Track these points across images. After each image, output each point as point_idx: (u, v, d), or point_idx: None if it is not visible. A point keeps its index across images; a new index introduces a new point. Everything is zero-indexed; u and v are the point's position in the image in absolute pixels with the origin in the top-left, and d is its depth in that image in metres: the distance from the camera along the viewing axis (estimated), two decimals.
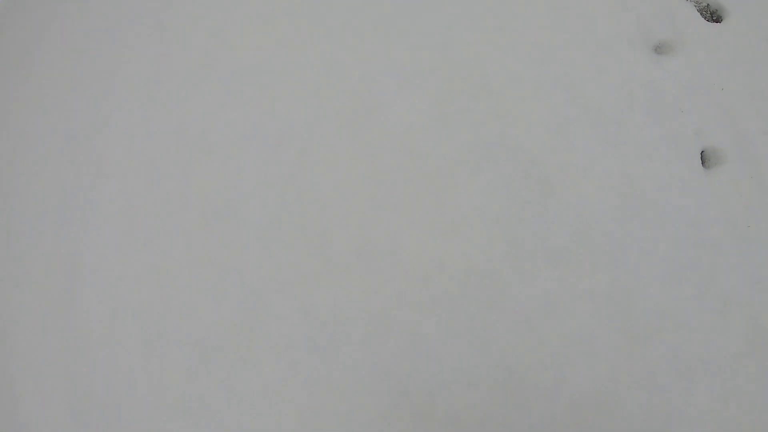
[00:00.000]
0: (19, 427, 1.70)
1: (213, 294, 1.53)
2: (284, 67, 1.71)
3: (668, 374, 1.35)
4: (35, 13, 2.50)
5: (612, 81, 1.56)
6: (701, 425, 1.35)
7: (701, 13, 1.86)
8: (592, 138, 1.46)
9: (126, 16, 2.23)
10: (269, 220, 1.52)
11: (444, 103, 1.52)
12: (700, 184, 1.52)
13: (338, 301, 1.40)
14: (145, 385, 1.52)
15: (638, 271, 1.37)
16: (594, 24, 1.64)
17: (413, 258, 1.37)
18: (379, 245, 1.40)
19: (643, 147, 1.48)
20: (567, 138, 1.45)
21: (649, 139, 1.50)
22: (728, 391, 1.38)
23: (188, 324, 1.53)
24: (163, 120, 1.87)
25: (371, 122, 1.54)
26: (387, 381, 1.34)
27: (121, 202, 1.93)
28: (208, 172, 1.69)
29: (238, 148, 1.66)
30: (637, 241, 1.39)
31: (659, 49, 1.72)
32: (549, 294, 1.32)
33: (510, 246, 1.34)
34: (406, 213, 1.41)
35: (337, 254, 1.42)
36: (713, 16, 1.88)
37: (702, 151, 1.57)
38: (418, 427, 1.31)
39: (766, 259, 1.49)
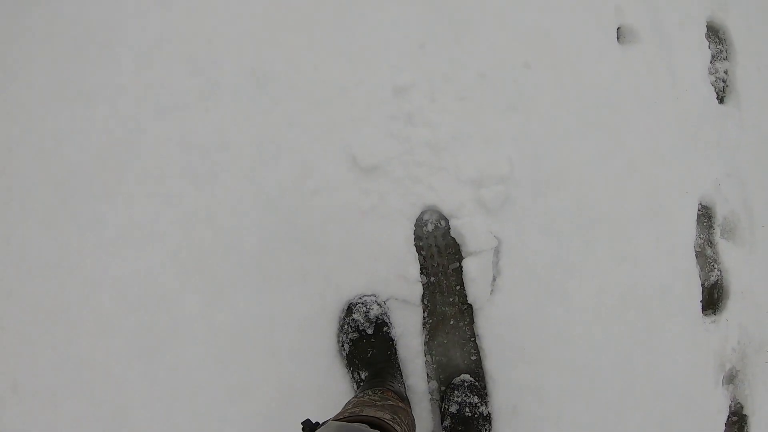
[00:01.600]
0: None
1: (80, 120, 1.24)
2: None
3: (569, 226, 1.34)
4: None
5: None
6: (595, 279, 1.35)
7: None
8: None
9: None
10: (150, 40, 1.28)
11: None
12: (615, 56, 1.52)
13: (224, 126, 1.23)
14: None
15: (547, 120, 1.33)
16: None
17: (311, 82, 1.24)
18: (274, 66, 1.24)
19: (562, 6, 1.45)
20: None
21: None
22: (624, 253, 1.40)
23: (47, 157, 1.23)
24: None
25: None
26: (273, 215, 1.21)
27: None
28: None
29: None
30: (548, 92, 1.36)
31: None
32: (455, 128, 1.25)
33: (416, 76, 1.25)
34: (306, 34, 1.26)
35: (225, 74, 1.25)
36: None
37: (618, 27, 1.58)
38: (310, 260, 1.19)
39: (667, 134, 1.52)
